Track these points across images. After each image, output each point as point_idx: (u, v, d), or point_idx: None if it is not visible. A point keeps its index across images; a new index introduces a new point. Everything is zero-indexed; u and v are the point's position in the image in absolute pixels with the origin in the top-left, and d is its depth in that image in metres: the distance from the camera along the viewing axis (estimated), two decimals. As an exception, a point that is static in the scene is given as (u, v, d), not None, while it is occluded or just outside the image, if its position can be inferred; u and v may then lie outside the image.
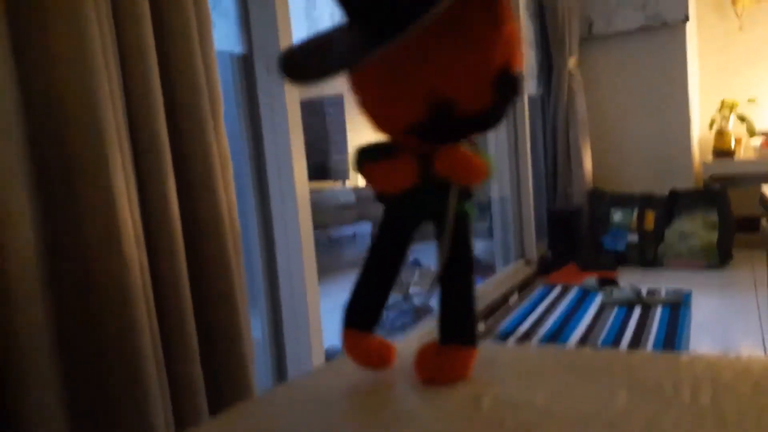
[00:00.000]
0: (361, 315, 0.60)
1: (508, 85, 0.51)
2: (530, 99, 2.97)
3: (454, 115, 0.51)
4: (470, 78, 0.50)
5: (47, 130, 0.67)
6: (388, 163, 0.55)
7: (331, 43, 0.55)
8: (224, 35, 1.21)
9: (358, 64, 0.51)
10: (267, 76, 1.25)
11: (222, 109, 0.90)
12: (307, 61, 0.54)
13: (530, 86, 3.00)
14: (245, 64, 1.26)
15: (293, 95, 1.25)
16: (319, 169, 4.58)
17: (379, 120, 0.55)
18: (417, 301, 2.29)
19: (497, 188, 2.88)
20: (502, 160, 2.86)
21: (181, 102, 0.83)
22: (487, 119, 0.53)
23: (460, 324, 0.57)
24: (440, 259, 0.56)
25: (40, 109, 0.67)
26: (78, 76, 0.67)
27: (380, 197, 0.59)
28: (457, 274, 0.56)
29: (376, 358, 0.59)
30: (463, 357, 0.57)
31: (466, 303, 0.57)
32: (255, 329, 0.98)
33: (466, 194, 0.56)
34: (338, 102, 4.56)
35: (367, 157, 0.57)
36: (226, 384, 0.87)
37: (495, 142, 2.85)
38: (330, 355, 1.32)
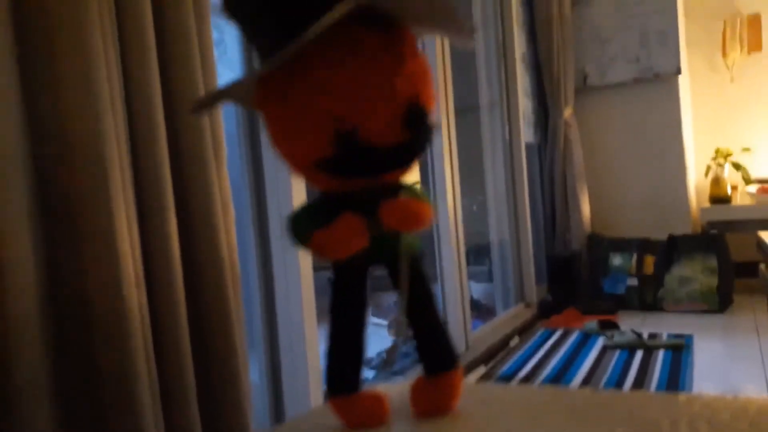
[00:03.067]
0: (342, 379, 0.60)
1: (415, 120, 0.51)
2: (528, 146, 3.02)
3: (360, 145, 0.50)
4: (372, 107, 0.49)
5: (52, 166, 0.68)
6: (335, 227, 0.52)
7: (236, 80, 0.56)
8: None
9: (244, 82, 0.53)
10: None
11: (225, 152, 0.92)
12: (218, 98, 0.59)
13: (527, 134, 3.06)
14: (249, 113, 1.30)
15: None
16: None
17: (288, 157, 0.55)
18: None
19: (496, 233, 2.90)
20: (501, 205, 2.89)
21: (185, 144, 0.84)
22: (402, 154, 0.52)
23: (437, 352, 0.59)
24: (401, 300, 0.56)
25: (45, 147, 0.68)
26: (83, 115, 0.68)
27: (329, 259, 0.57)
28: (422, 308, 0.58)
29: (369, 418, 0.59)
30: (450, 381, 0.59)
31: (438, 331, 0.59)
32: (253, 372, 0.97)
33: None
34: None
35: (304, 226, 0.55)
36: (223, 425, 0.86)
37: (493, 186, 2.88)
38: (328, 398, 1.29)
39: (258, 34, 0.54)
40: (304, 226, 0.55)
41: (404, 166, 0.54)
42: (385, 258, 0.58)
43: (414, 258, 0.57)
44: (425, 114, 0.52)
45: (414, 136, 0.51)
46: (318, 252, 0.54)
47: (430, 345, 0.60)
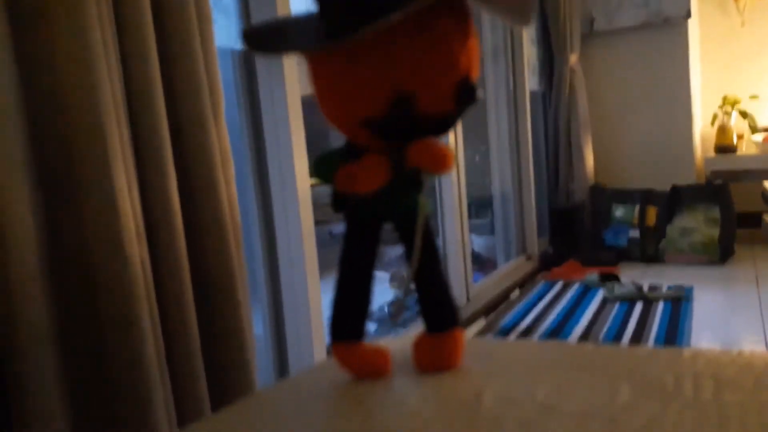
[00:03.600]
0: (348, 327, 0.60)
1: (467, 92, 0.54)
2: (532, 94, 2.96)
3: (413, 113, 0.52)
4: (435, 78, 0.52)
5: (50, 128, 0.67)
6: (363, 161, 0.55)
7: (297, 26, 0.56)
8: (225, 32, 1.21)
9: (315, 50, 0.53)
10: (267, 71, 1.25)
11: (223, 105, 0.90)
12: (270, 37, 0.56)
13: (532, 82, 2.99)
14: (246, 61, 1.26)
15: (294, 91, 1.25)
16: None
17: (337, 111, 0.55)
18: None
19: (498, 184, 2.88)
20: (503, 156, 2.86)
21: (182, 99, 0.83)
22: (444, 123, 0.55)
23: (441, 311, 0.60)
24: (415, 256, 0.57)
25: (42, 108, 0.67)
26: (80, 75, 0.67)
27: (341, 205, 0.59)
28: (428, 266, 0.59)
29: (371, 367, 0.60)
30: (452, 339, 0.60)
31: (442, 290, 0.60)
32: (257, 325, 0.98)
33: (420, 189, 0.58)
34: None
35: (331, 163, 0.57)
36: (227, 379, 0.87)
37: (497, 137, 2.85)
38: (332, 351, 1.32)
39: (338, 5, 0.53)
40: (331, 165, 0.57)
41: (442, 133, 0.56)
42: (396, 216, 0.59)
43: (427, 219, 0.58)
44: (474, 88, 0.55)
45: (460, 107, 0.54)
46: (343, 184, 0.56)
47: (433, 303, 0.60)
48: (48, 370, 0.65)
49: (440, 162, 0.54)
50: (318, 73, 0.55)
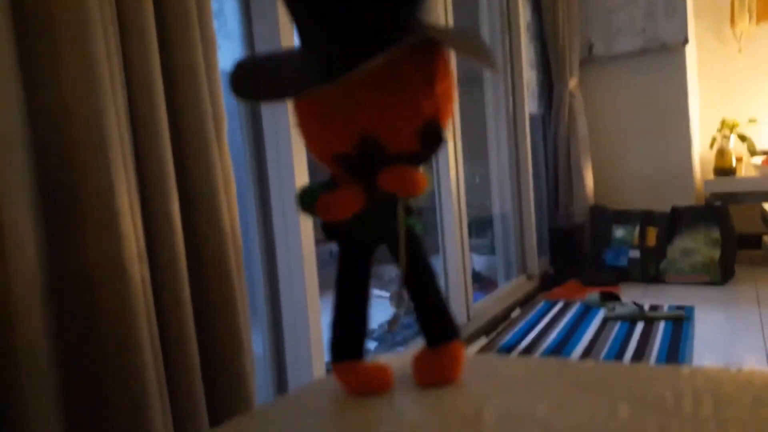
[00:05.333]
0: (347, 347, 0.61)
1: (431, 136, 0.56)
2: (532, 118, 2.98)
3: (379, 153, 0.55)
4: (396, 123, 0.54)
5: (52, 149, 0.68)
6: (336, 191, 0.58)
7: (282, 67, 0.59)
8: (229, 55, 1.23)
9: (304, 93, 0.56)
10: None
11: (225, 127, 0.91)
12: (258, 82, 0.58)
13: (531, 106, 3.02)
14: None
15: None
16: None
17: (313, 146, 0.59)
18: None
19: (498, 205, 2.89)
20: (503, 177, 2.87)
21: (185, 120, 0.84)
22: (412, 161, 0.57)
23: (439, 324, 0.61)
24: (400, 272, 0.59)
25: (46, 130, 0.67)
26: (84, 93, 0.68)
27: (331, 233, 0.62)
28: (421, 281, 0.61)
29: (373, 384, 0.60)
30: (451, 352, 0.60)
31: (439, 304, 0.61)
32: (256, 343, 0.98)
33: (408, 211, 0.60)
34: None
35: (313, 195, 0.60)
36: (226, 398, 0.87)
37: (496, 158, 2.86)
38: (331, 369, 1.31)
39: (318, 42, 0.56)
40: (314, 196, 0.60)
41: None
42: (387, 237, 0.61)
43: (412, 234, 0.61)
44: (440, 131, 0.57)
45: (426, 148, 0.56)
46: (322, 213, 0.59)
47: (430, 317, 0.61)
48: (47, 389, 0.65)
49: (409, 186, 0.56)
50: (295, 110, 0.59)
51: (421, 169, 0.59)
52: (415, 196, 0.57)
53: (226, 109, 0.91)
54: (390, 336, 2.00)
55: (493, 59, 0.59)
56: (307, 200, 0.61)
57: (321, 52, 0.55)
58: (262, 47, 1.26)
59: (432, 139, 0.56)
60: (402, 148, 0.55)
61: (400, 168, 0.56)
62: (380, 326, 2.08)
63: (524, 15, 2.91)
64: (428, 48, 0.55)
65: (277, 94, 0.62)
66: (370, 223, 0.60)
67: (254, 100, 0.59)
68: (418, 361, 0.61)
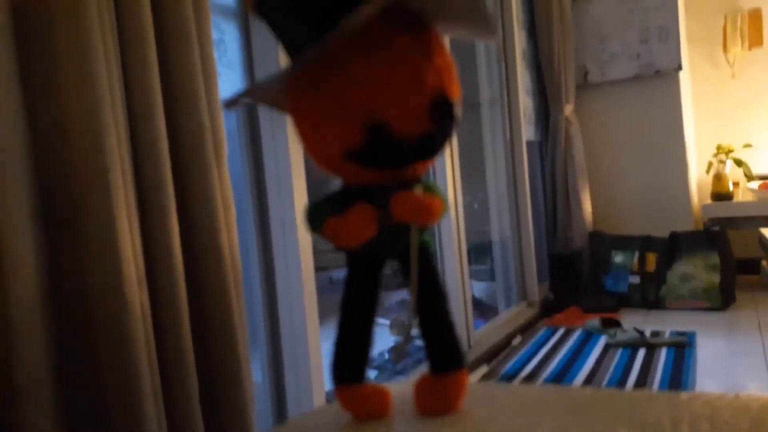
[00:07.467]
0: (349, 369, 0.60)
1: (442, 110, 0.53)
2: (529, 144, 3.01)
3: (391, 138, 0.52)
4: (402, 98, 0.51)
5: (53, 172, 0.69)
6: (347, 216, 0.54)
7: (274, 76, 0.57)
8: (230, 84, 1.25)
9: (275, 81, 0.53)
10: (270, 118, 1.28)
11: (225, 153, 0.92)
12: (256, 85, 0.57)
13: (528, 132, 3.05)
14: (249, 112, 1.30)
15: (297, 143, 1.28)
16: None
17: (317, 149, 0.56)
18: (419, 341, 2.26)
19: (497, 231, 2.90)
20: (502, 203, 2.88)
21: (186, 145, 0.85)
22: (427, 145, 0.54)
23: (446, 351, 0.59)
24: (412, 294, 0.57)
25: (47, 154, 0.68)
26: (85, 122, 0.69)
27: (341, 247, 0.58)
28: (433, 304, 0.58)
29: (372, 407, 0.59)
30: (455, 382, 0.59)
31: (447, 330, 0.59)
32: (255, 373, 0.98)
33: (422, 228, 0.57)
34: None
35: (321, 213, 0.57)
36: (225, 426, 0.86)
37: (494, 184, 2.88)
38: (331, 398, 1.30)
39: (289, 33, 0.55)
40: (321, 215, 0.57)
41: (428, 157, 0.56)
42: (398, 252, 0.58)
43: (425, 253, 0.58)
44: (451, 104, 0.54)
45: (439, 127, 0.53)
46: (330, 238, 0.56)
47: (438, 342, 0.59)
48: (46, 413, 0.64)
49: (426, 215, 0.54)
50: (294, 117, 0.56)
51: (438, 195, 0.57)
52: (431, 224, 0.55)
53: (225, 134, 0.93)
54: (390, 365, 1.99)
55: (490, 24, 0.55)
56: (316, 221, 0.57)
57: (302, 37, 0.53)
58: (262, 75, 1.28)
59: (443, 114, 0.53)
60: (412, 130, 0.52)
61: (411, 195, 0.54)
62: (380, 355, 2.07)
63: (520, 42, 2.96)
64: (419, 23, 0.54)
65: (261, 92, 0.61)
66: (384, 240, 0.56)
67: (243, 96, 0.58)
68: (421, 388, 0.60)
